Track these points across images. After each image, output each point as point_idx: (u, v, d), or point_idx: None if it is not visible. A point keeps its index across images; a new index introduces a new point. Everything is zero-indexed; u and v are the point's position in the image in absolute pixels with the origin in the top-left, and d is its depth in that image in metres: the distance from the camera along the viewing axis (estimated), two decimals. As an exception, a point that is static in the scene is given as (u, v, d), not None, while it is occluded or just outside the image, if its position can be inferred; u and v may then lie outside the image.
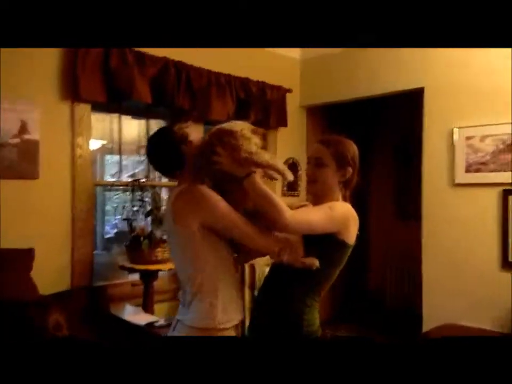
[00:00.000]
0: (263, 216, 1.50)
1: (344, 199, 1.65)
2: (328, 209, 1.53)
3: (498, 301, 2.87)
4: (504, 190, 2.89)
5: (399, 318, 4.46)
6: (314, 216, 1.52)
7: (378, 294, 5.07)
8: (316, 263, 1.50)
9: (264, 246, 1.57)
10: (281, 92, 3.74)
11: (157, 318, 2.54)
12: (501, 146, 2.91)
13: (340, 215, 1.54)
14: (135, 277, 2.89)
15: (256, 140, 1.51)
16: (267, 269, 1.73)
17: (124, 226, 2.86)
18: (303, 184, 3.96)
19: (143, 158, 3.27)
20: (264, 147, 1.56)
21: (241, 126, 1.52)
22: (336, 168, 1.60)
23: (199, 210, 1.48)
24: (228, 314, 1.52)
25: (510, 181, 2.88)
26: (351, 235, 1.57)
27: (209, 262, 1.51)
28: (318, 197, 1.65)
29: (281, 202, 1.46)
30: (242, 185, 1.47)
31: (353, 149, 1.65)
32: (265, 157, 1.48)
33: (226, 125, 1.55)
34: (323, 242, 1.53)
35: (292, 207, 1.73)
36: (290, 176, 1.50)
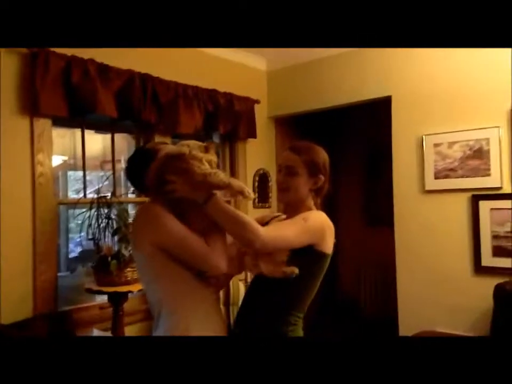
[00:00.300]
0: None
1: (316, 207, 1.61)
2: (302, 221, 1.48)
3: (473, 306, 2.88)
4: (474, 195, 2.92)
5: (375, 326, 4.45)
6: (289, 231, 1.46)
7: (353, 302, 5.06)
8: (295, 271, 1.44)
9: (223, 269, 1.45)
10: (249, 103, 3.71)
11: (127, 341, 2.41)
12: (468, 152, 2.95)
13: (314, 226, 1.50)
14: (103, 298, 2.75)
15: (208, 157, 1.42)
16: (241, 284, 1.66)
17: (89, 244, 2.72)
18: (274, 195, 3.93)
19: (108, 173, 3.16)
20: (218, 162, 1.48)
21: (189, 147, 1.42)
22: (308, 176, 1.57)
23: (150, 230, 1.42)
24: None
25: (478, 186, 2.91)
26: (329, 245, 1.53)
27: (168, 282, 1.45)
28: (290, 205, 1.61)
29: (252, 220, 1.39)
30: (204, 207, 1.38)
31: (324, 156, 1.62)
32: (220, 176, 1.39)
33: (173, 149, 1.46)
34: (301, 254, 1.47)
35: (264, 219, 1.69)
36: (248, 194, 1.42)
